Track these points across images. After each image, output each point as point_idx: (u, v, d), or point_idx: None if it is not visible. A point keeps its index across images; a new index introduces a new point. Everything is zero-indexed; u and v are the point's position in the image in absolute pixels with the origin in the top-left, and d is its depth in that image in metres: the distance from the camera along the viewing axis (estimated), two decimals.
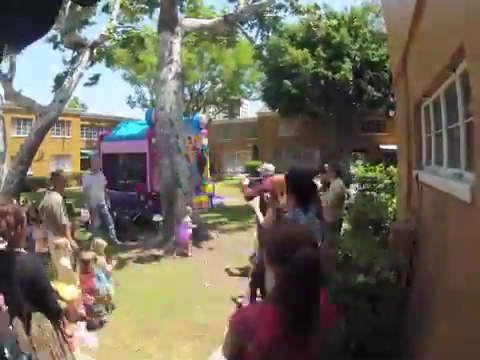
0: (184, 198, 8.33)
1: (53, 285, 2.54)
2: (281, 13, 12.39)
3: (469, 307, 1.92)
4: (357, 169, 10.10)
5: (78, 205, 9.26)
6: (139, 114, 45.50)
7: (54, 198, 5.23)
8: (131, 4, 12.25)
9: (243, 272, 5.78)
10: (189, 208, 7.75)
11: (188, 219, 7.50)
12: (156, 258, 7.24)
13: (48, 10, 0.74)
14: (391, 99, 17.71)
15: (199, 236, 8.31)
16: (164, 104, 8.44)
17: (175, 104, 8.51)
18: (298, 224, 2.32)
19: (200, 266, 6.61)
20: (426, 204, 3.59)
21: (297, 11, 12.12)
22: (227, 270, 6.20)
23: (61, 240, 4.72)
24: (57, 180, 5.61)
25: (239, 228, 9.93)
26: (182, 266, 6.77)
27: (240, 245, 7.45)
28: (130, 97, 32.41)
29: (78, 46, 12.00)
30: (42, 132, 11.08)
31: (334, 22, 19.85)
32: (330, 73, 19.82)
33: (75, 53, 12.34)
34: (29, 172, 13.58)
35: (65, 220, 5.10)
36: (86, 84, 13.96)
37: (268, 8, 12.00)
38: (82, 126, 32.63)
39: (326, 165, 6.83)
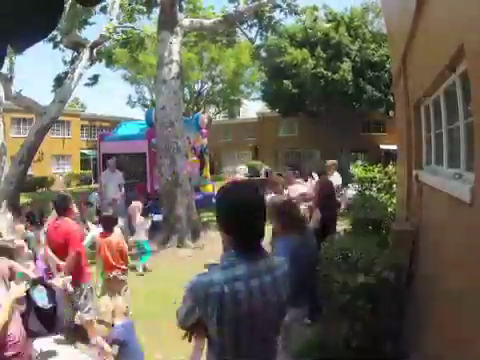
0: (184, 198, 8.33)
1: None
2: (277, 15, 12.45)
3: (469, 307, 1.92)
4: (356, 169, 10.09)
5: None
6: (139, 114, 45.48)
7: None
8: (130, 4, 12.27)
9: None
10: None
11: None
12: (156, 257, 7.23)
13: (51, 10, 0.74)
14: (391, 99, 17.70)
15: (197, 235, 8.33)
16: (164, 104, 8.44)
17: (175, 104, 8.51)
18: None
19: (200, 265, 6.60)
20: (426, 204, 3.58)
21: (293, 12, 12.16)
22: None
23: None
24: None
25: None
26: (182, 265, 6.77)
27: None
28: (130, 97, 32.45)
29: (78, 46, 12.02)
30: (42, 132, 11.09)
31: (331, 26, 19.93)
32: (330, 73, 19.83)
33: (75, 53, 12.36)
34: (29, 172, 13.60)
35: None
36: (86, 84, 14.00)
37: (266, 8, 12.02)
38: (82, 126, 32.61)
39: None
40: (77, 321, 3.93)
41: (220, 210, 1.56)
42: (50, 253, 3.96)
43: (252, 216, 1.46)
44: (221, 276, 1.42)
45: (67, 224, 3.95)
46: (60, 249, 3.88)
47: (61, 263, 3.86)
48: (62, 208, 4.01)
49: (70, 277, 3.63)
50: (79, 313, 3.89)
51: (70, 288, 3.63)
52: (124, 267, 4.48)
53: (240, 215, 1.45)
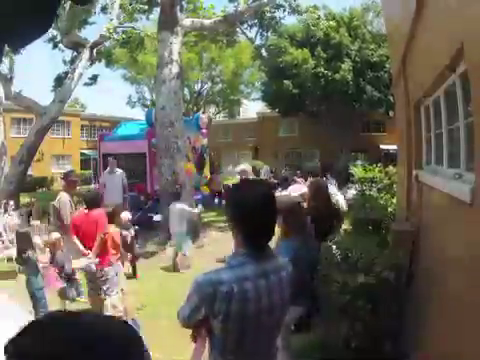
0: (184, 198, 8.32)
1: None
2: (279, 14, 12.42)
3: (469, 307, 1.92)
4: (356, 169, 10.08)
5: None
6: (139, 114, 45.46)
7: (62, 198, 5.38)
8: (130, 4, 12.27)
9: None
10: None
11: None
12: (155, 257, 7.23)
13: (47, 9, 0.74)
14: (391, 99, 17.71)
15: (197, 235, 8.33)
16: (164, 104, 8.44)
17: (175, 104, 8.51)
18: None
19: (200, 264, 6.60)
20: (426, 204, 3.58)
21: (296, 11, 12.16)
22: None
23: (54, 235, 5.02)
24: (67, 180, 5.76)
25: None
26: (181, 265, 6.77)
27: None
28: (130, 97, 32.42)
29: (78, 46, 12.02)
30: (42, 132, 11.11)
31: (333, 23, 19.92)
32: (330, 73, 19.84)
33: (75, 53, 12.37)
34: (29, 172, 13.61)
35: (69, 220, 5.16)
36: (85, 84, 13.99)
37: (267, 8, 12.02)
38: (82, 126, 32.58)
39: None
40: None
41: (230, 207, 1.53)
42: (76, 240, 4.41)
43: (261, 214, 1.44)
44: (231, 275, 1.41)
45: (98, 211, 4.41)
46: (90, 235, 4.32)
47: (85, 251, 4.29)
48: (94, 203, 4.49)
49: (96, 260, 4.13)
50: (107, 298, 4.13)
51: (93, 268, 4.13)
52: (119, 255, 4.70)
53: (249, 213, 1.43)
